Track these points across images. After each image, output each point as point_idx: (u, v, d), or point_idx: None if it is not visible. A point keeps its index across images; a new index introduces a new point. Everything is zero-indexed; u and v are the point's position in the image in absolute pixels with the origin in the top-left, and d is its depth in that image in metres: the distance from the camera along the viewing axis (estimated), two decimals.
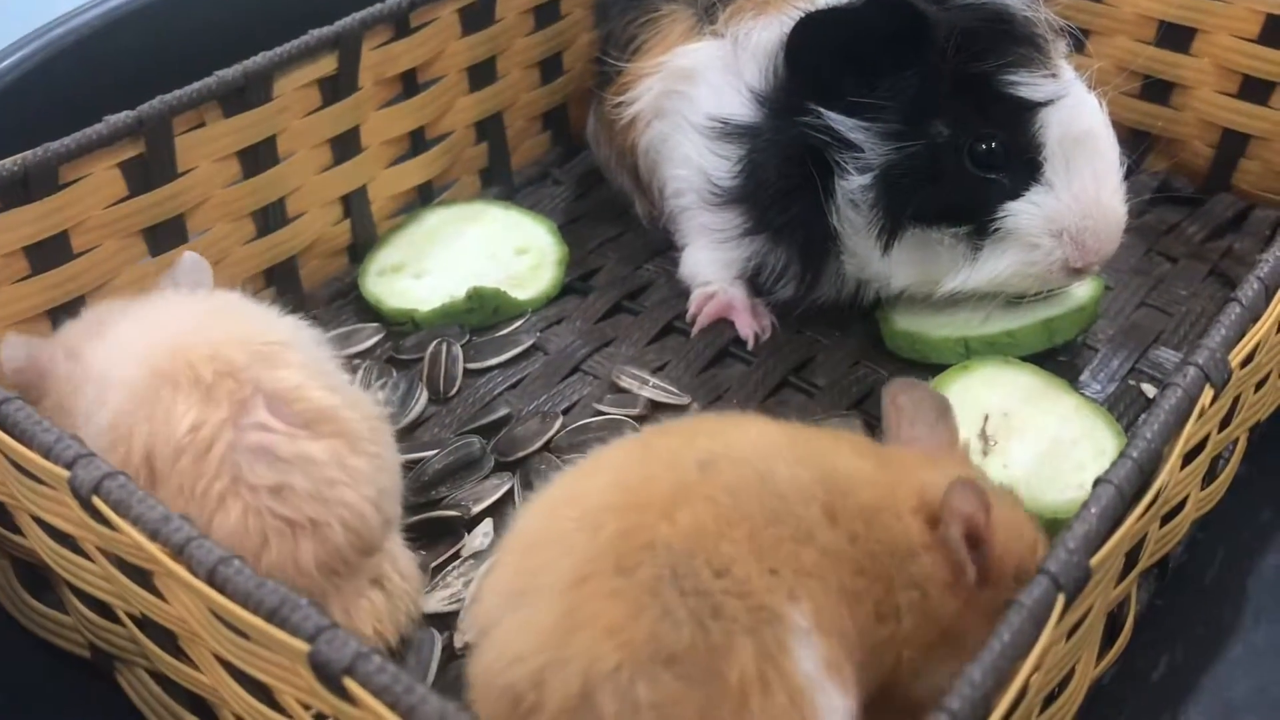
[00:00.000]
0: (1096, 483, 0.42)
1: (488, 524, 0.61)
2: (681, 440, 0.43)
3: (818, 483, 0.42)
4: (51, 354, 0.55)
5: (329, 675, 0.37)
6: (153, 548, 0.41)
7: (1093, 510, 0.41)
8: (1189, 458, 0.52)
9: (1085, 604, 0.43)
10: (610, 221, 0.83)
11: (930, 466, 0.46)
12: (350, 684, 0.36)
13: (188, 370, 0.48)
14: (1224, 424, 0.56)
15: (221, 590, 0.39)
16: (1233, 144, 0.81)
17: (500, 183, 0.86)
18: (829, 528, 0.41)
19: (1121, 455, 0.43)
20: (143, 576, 0.45)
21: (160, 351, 0.50)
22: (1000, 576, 0.43)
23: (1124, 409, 0.66)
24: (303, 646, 0.37)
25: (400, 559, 0.54)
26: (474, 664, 0.40)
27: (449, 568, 0.58)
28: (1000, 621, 0.37)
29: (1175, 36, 0.80)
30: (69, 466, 0.44)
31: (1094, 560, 0.40)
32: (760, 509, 0.40)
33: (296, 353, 0.51)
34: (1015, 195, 0.61)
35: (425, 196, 0.82)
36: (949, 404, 0.51)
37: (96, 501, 0.43)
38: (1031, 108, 0.59)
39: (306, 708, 0.41)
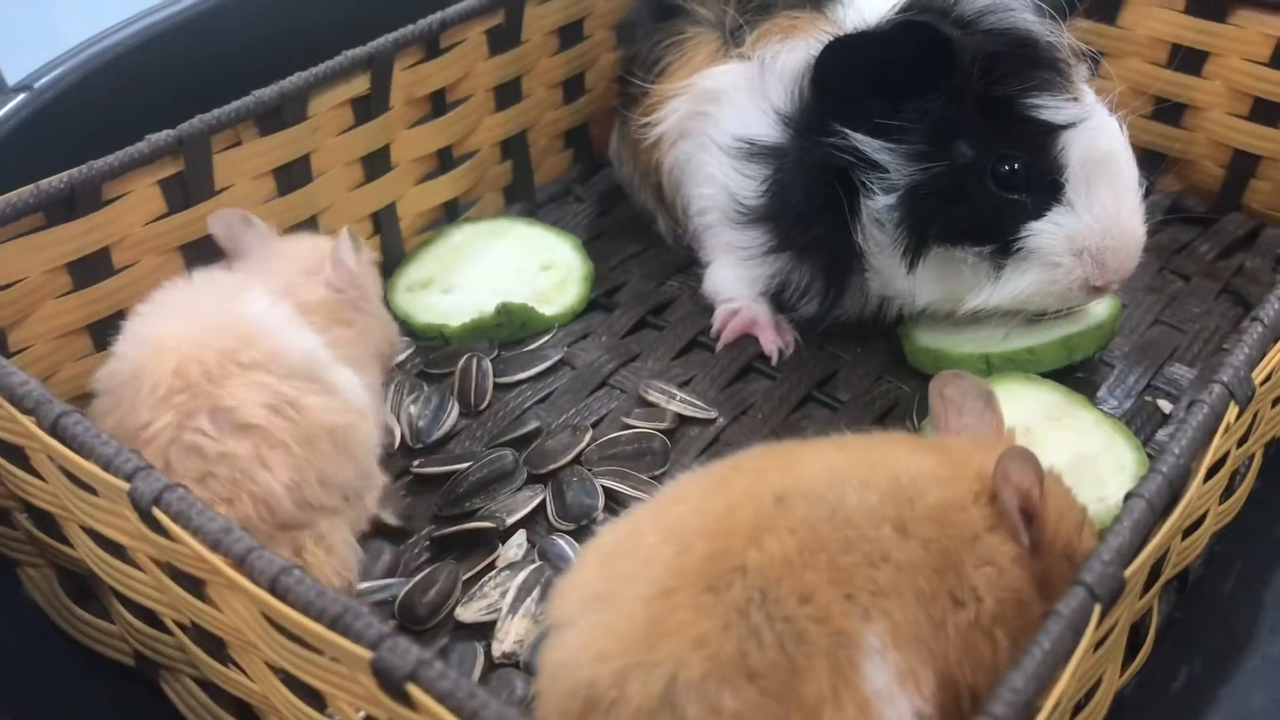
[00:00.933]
0: (1128, 497, 0.43)
1: (521, 535, 0.62)
2: (754, 474, 0.46)
3: (886, 501, 0.44)
4: None
5: (392, 681, 0.38)
6: (214, 558, 0.42)
7: (1126, 524, 0.42)
8: (1210, 473, 0.53)
9: (1114, 615, 0.44)
10: (632, 238, 0.84)
11: (984, 451, 0.48)
12: (413, 690, 0.37)
13: (153, 377, 0.56)
14: (1242, 440, 0.57)
15: (283, 599, 0.41)
16: (1243, 164, 0.83)
17: (524, 200, 0.88)
18: (901, 543, 0.43)
19: (1152, 470, 0.44)
20: (195, 586, 0.46)
21: (150, 346, 0.57)
22: (1052, 547, 0.45)
23: (1141, 424, 0.68)
24: (365, 654, 0.38)
25: (331, 538, 0.58)
26: (547, 655, 0.43)
27: (484, 578, 0.60)
28: (1040, 630, 0.39)
29: (1188, 60, 0.82)
30: (129, 479, 0.45)
31: (1127, 572, 0.41)
32: (834, 538, 0.43)
33: (258, 372, 0.56)
34: (1037, 215, 0.62)
35: (451, 213, 0.84)
36: (993, 392, 0.53)
37: (156, 513, 0.44)
38: (1054, 130, 0.61)
39: (358, 712, 0.42)
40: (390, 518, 0.63)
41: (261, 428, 0.55)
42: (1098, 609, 0.40)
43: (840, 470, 0.45)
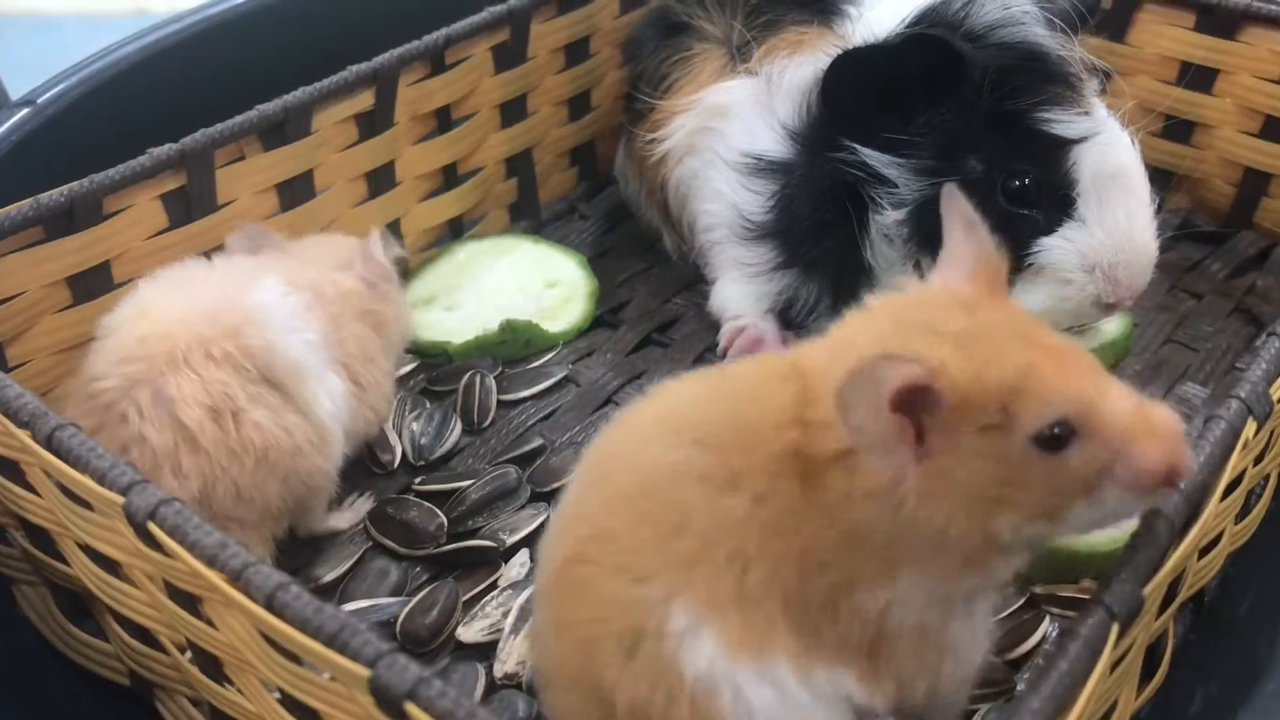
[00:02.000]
0: (1147, 514, 0.42)
1: (524, 554, 0.61)
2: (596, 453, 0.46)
3: (706, 451, 0.41)
4: None
5: (390, 700, 0.37)
6: (210, 573, 0.41)
7: (1145, 540, 0.41)
8: (1227, 491, 0.53)
9: (1132, 635, 0.43)
10: (638, 255, 0.84)
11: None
12: (412, 709, 0.36)
13: (121, 338, 0.57)
14: (1259, 459, 0.56)
15: (280, 615, 0.40)
16: (1254, 182, 0.82)
17: (529, 217, 0.87)
18: (724, 496, 0.40)
19: None
20: (191, 603, 0.45)
21: (135, 309, 0.58)
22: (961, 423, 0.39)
23: None
24: (363, 672, 0.37)
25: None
26: None
27: (486, 598, 0.59)
28: (1056, 651, 0.38)
29: (1197, 77, 0.82)
30: (124, 492, 0.44)
31: (1146, 590, 0.40)
32: (630, 516, 0.41)
33: (224, 369, 0.56)
34: (1049, 231, 0.61)
35: (456, 230, 0.83)
36: (974, 219, 0.45)
37: (152, 527, 0.43)
38: (1065, 145, 0.60)
39: None
40: (340, 522, 0.63)
41: (190, 431, 0.55)
42: (1115, 628, 0.39)
43: (663, 418, 0.44)
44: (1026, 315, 0.42)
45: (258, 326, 0.58)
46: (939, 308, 0.41)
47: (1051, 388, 0.38)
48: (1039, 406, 0.38)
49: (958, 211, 0.45)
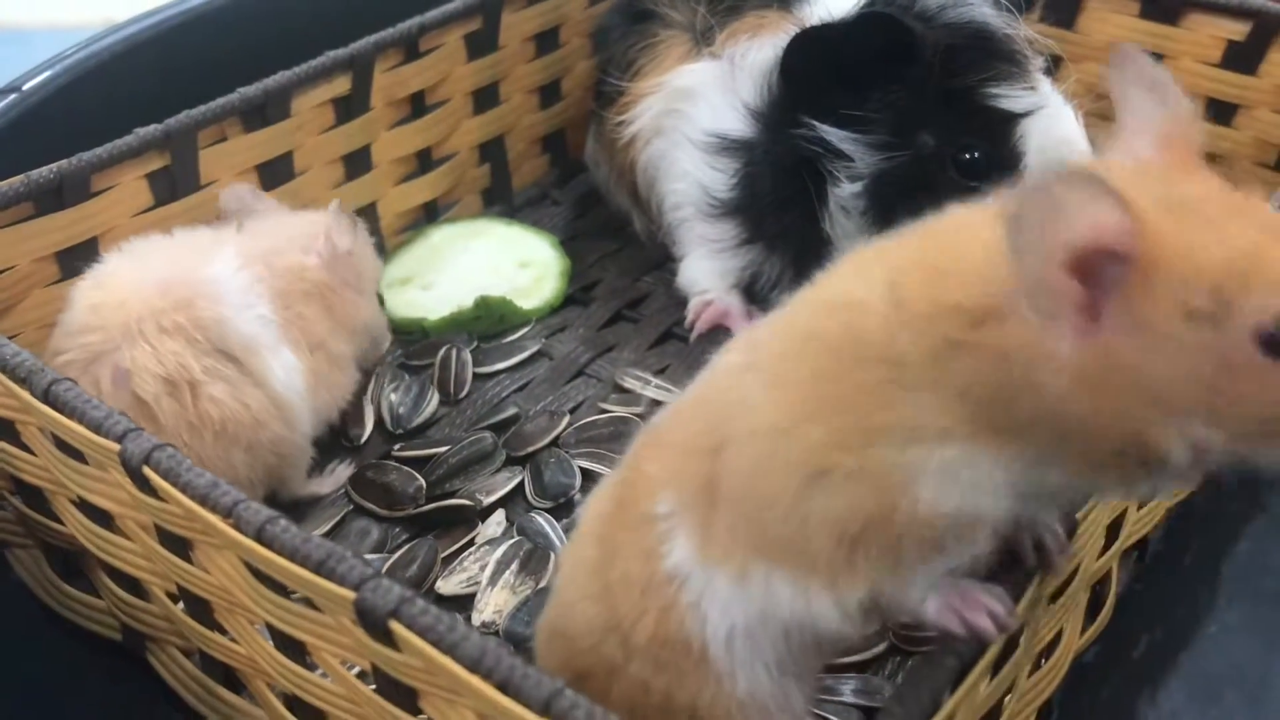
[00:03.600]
0: None
1: (500, 514, 0.64)
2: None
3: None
4: None
5: (374, 621, 0.39)
6: (203, 512, 0.44)
7: None
8: None
9: (1071, 564, 0.46)
10: (608, 238, 0.86)
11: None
12: (395, 626, 0.38)
13: (75, 310, 0.59)
14: None
15: (270, 547, 0.42)
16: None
17: (502, 202, 0.90)
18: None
19: None
20: (183, 548, 0.48)
21: (92, 280, 0.61)
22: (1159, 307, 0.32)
23: None
24: (349, 595, 0.40)
25: None
26: None
27: (464, 554, 0.61)
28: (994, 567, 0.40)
29: None
30: (119, 440, 0.46)
31: (1079, 513, 0.43)
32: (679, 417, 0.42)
33: (178, 340, 0.58)
34: None
35: (431, 214, 0.86)
36: (1168, 77, 0.38)
37: (147, 472, 0.45)
38: (1012, 119, 0.63)
39: (349, 667, 0.44)
40: (322, 488, 0.65)
41: (149, 406, 0.57)
42: None
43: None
44: (1241, 192, 0.34)
45: (209, 300, 0.59)
46: (1131, 173, 0.34)
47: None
48: (1270, 296, 0.31)
49: (1135, 70, 0.37)
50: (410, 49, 0.79)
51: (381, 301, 0.72)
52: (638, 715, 0.42)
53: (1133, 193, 0.31)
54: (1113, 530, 0.53)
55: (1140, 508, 0.57)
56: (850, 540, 0.36)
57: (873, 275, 0.37)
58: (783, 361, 0.38)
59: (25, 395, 0.50)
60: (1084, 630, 0.55)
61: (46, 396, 0.49)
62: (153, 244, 0.63)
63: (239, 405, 0.59)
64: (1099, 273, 0.32)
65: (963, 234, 0.36)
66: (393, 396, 0.71)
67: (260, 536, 0.42)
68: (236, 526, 0.43)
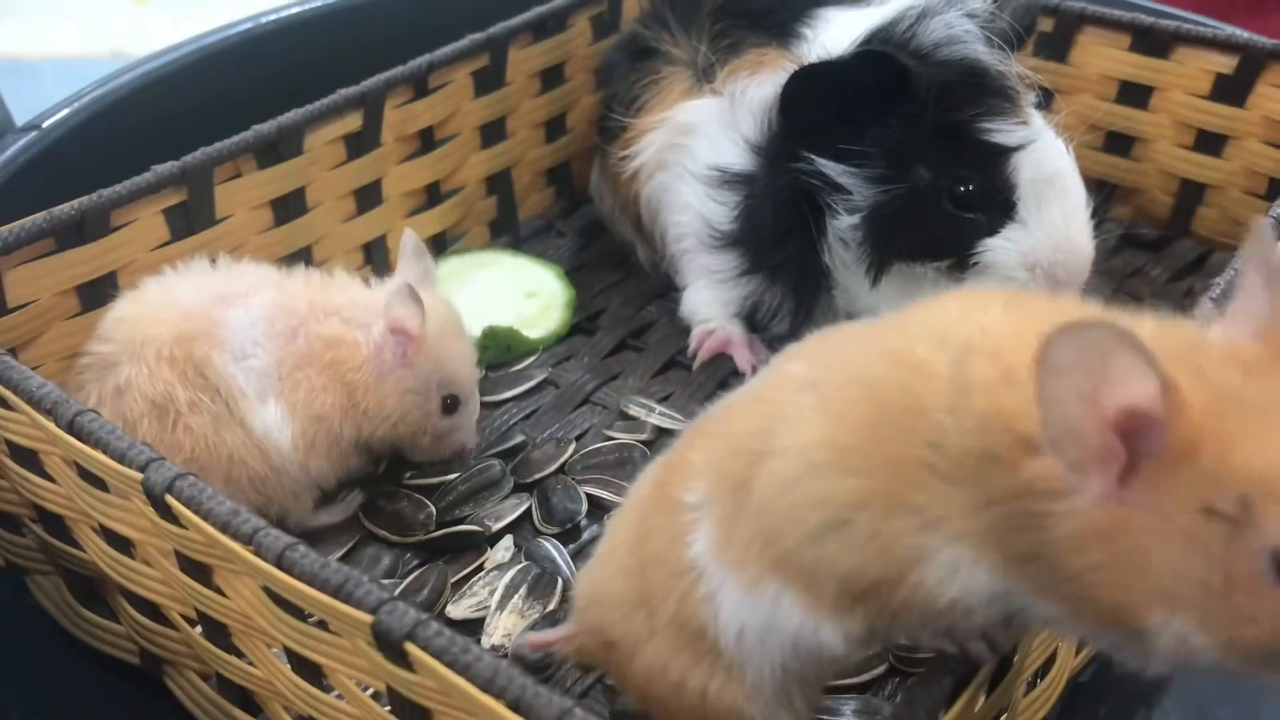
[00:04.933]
0: None
1: (508, 539, 0.65)
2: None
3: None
4: None
5: (391, 643, 0.41)
6: (224, 539, 0.45)
7: None
8: None
9: None
10: (612, 268, 0.88)
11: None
12: (411, 648, 0.40)
13: (105, 324, 0.63)
14: None
15: (289, 572, 0.44)
16: (1190, 193, 0.87)
17: (508, 234, 0.92)
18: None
19: None
20: (203, 573, 0.49)
21: (132, 293, 0.64)
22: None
23: None
24: (366, 618, 0.41)
25: None
26: None
27: (474, 579, 0.63)
28: None
29: (1134, 94, 0.87)
30: (142, 469, 0.48)
31: None
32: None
33: (165, 367, 0.60)
34: (992, 232, 0.66)
35: (439, 246, 0.87)
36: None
37: (169, 499, 0.47)
38: (1005, 152, 0.65)
39: (364, 689, 0.45)
40: (332, 517, 0.67)
41: (131, 421, 0.60)
42: None
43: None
44: None
45: (210, 341, 0.61)
46: (1211, 353, 0.33)
47: None
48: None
49: (1262, 257, 0.35)
50: (420, 86, 0.81)
51: (451, 404, 0.66)
52: (654, 692, 0.45)
53: (1191, 372, 0.31)
54: None
55: None
56: (852, 595, 0.38)
57: (950, 337, 0.36)
58: (840, 395, 0.39)
59: (50, 426, 0.51)
60: (1079, 650, 0.56)
61: (71, 427, 0.50)
62: (209, 272, 0.65)
63: (216, 439, 0.61)
64: (1136, 439, 0.31)
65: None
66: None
67: (280, 562, 0.44)
68: (257, 552, 0.45)
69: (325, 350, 0.63)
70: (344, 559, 0.65)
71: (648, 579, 0.44)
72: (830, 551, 0.37)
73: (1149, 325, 0.34)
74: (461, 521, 0.66)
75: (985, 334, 0.36)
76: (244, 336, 0.62)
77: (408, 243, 0.69)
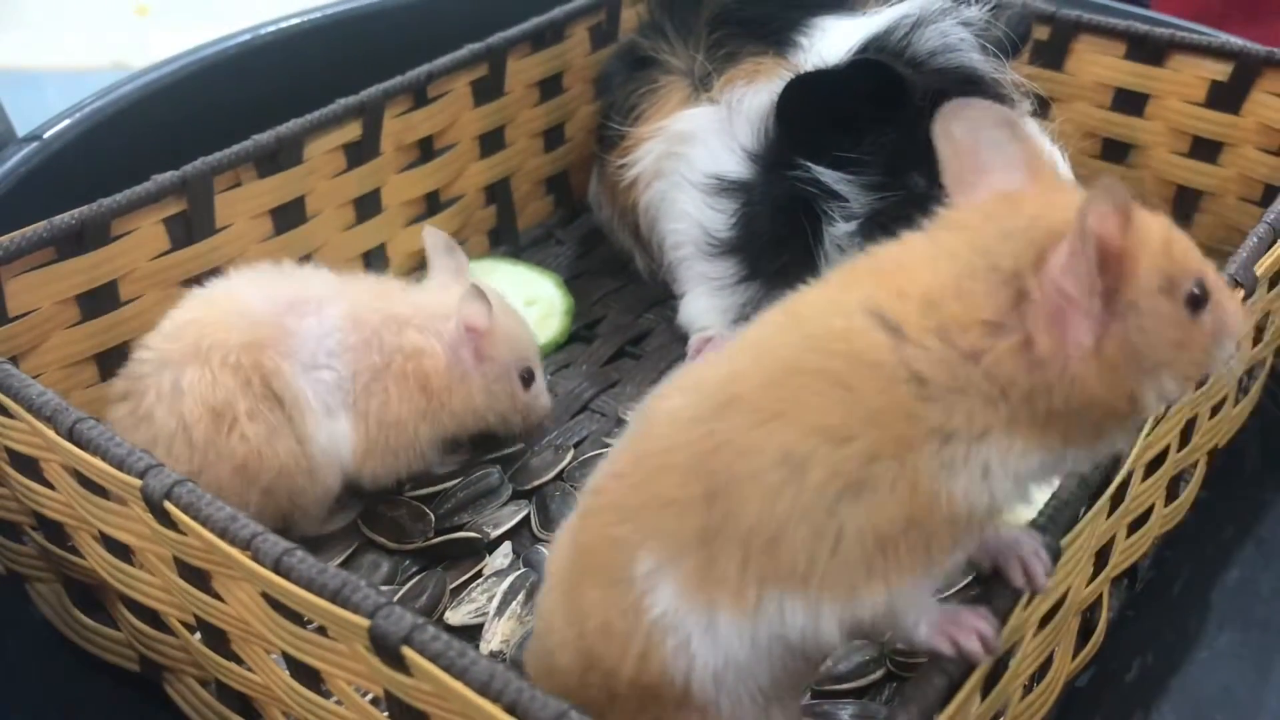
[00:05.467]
0: (1064, 479, 0.47)
1: (507, 546, 0.65)
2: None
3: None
4: None
5: (388, 647, 0.41)
6: (222, 544, 0.46)
7: (1061, 497, 0.46)
8: (1151, 469, 0.57)
9: (1059, 587, 0.48)
10: (611, 276, 0.88)
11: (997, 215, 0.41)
12: (407, 652, 0.40)
13: (174, 321, 0.63)
14: (1183, 443, 0.61)
15: (287, 577, 0.44)
16: (1187, 199, 0.88)
17: (508, 242, 0.92)
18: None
19: None
20: (202, 579, 0.50)
21: (203, 291, 0.65)
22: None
23: None
24: (363, 622, 0.41)
25: None
26: None
27: (472, 585, 0.63)
28: (981, 591, 0.42)
29: (1130, 102, 0.87)
30: (141, 475, 0.48)
31: (1064, 541, 0.45)
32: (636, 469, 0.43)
33: (228, 374, 0.60)
34: None
35: None
36: (1017, 118, 0.44)
37: (168, 506, 0.47)
38: None
39: (362, 694, 0.45)
40: (332, 525, 0.67)
41: (187, 422, 0.60)
42: None
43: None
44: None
45: (281, 351, 0.62)
46: (1033, 201, 0.41)
47: (1187, 252, 0.41)
48: (1188, 268, 0.40)
49: (973, 119, 0.44)
50: (419, 95, 0.81)
51: (529, 377, 0.69)
52: None
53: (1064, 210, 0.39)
54: (1101, 557, 0.55)
55: (1129, 535, 0.59)
56: (883, 546, 0.39)
57: (846, 308, 0.41)
58: (771, 397, 0.40)
59: (50, 433, 0.52)
60: (1076, 654, 0.57)
61: (71, 435, 0.51)
62: (281, 275, 0.66)
63: (268, 450, 0.61)
64: (1111, 269, 0.38)
65: (920, 261, 0.41)
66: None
67: (278, 567, 0.44)
68: (255, 558, 0.45)
69: (406, 361, 0.64)
70: (343, 566, 0.65)
71: (594, 649, 0.43)
72: (851, 519, 0.39)
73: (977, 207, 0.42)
74: (460, 528, 0.66)
75: (870, 283, 0.41)
76: (317, 347, 0.63)
77: (438, 240, 0.71)
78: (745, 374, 0.41)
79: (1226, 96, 0.83)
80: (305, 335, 0.62)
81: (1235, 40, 0.84)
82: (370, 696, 0.45)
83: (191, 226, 0.71)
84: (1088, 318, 0.38)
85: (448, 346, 0.65)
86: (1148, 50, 0.85)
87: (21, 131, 0.83)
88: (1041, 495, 0.46)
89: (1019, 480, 0.40)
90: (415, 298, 0.67)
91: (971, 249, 0.40)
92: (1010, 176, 0.42)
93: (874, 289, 0.41)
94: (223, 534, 0.46)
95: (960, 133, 0.43)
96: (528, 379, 0.69)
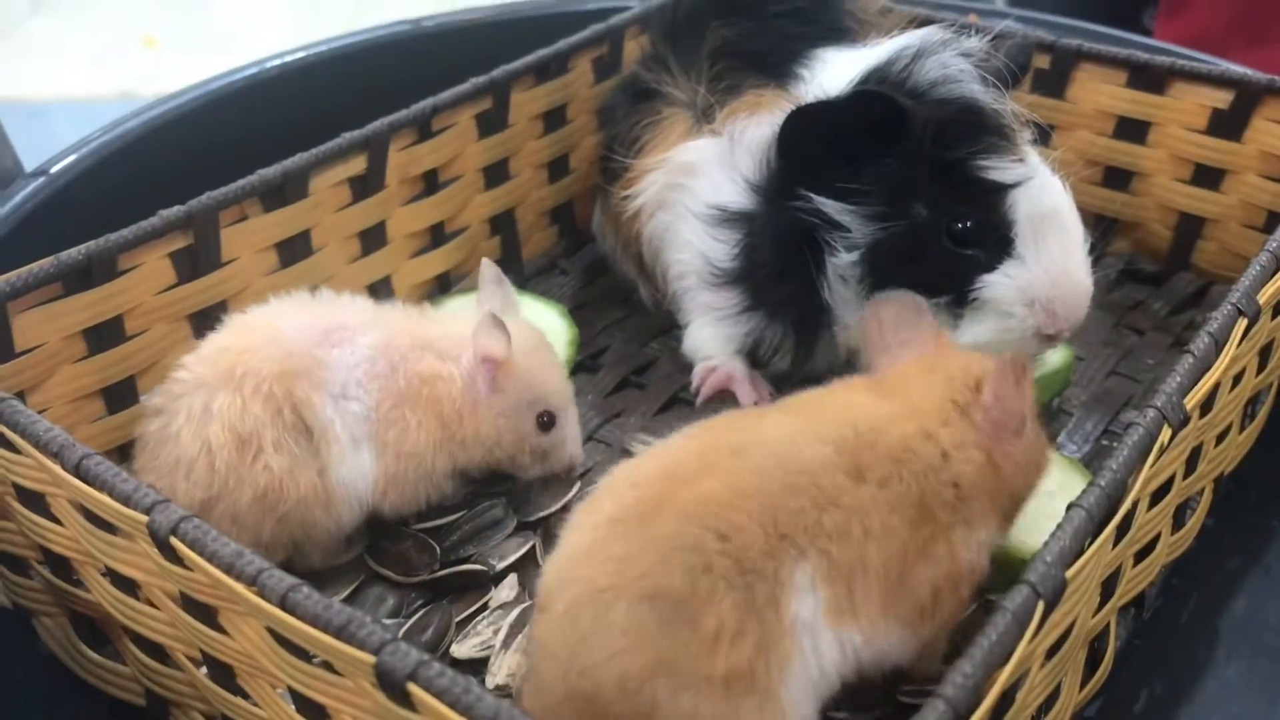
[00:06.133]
0: (1069, 507, 0.47)
1: (513, 578, 0.65)
2: (716, 433, 0.53)
3: (840, 452, 0.51)
4: None
5: (393, 683, 0.41)
6: (228, 580, 0.46)
7: (1066, 530, 0.46)
8: (1156, 498, 0.57)
9: (1066, 619, 0.48)
10: (615, 306, 0.89)
11: (939, 365, 0.57)
12: (413, 689, 0.40)
13: (211, 344, 0.64)
14: (1189, 471, 0.61)
15: (292, 613, 0.44)
16: (1189, 226, 0.88)
17: (512, 273, 0.92)
18: (856, 486, 0.50)
19: (1090, 484, 0.48)
20: (208, 614, 0.50)
21: (243, 315, 0.66)
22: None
23: (1099, 465, 0.71)
24: (369, 659, 0.42)
25: None
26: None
27: (478, 618, 0.63)
28: (987, 624, 0.42)
29: (1132, 129, 0.88)
30: (147, 511, 0.48)
31: (1069, 572, 0.45)
32: (781, 484, 0.48)
33: (258, 403, 0.61)
34: (990, 268, 0.66)
35: (444, 285, 0.88)
36: (922, 301, 0.62)
37: (174, 541, 0.47)
38: (1002, 189, 0.65)
39: None
40: (338, 558, 0.67)
41: (212, 447, 0.60)
42: (1041, 605, 0.43)
43: (797, 428, 0.52)
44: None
45: (313, 381, 0.62)
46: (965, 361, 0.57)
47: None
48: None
49: (896, 306, 0.61)
50: (423, 129, 0.82)
51: (548, 421, 0.68)
52: None
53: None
54: (1108, 586, 0.55)
55: (1137, 563, 0.59)
56: (937, 595, 0.52)
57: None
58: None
59: (57, 469, 0.52)
60: (1084, 685, 0.56)
61: (78, 471, 0.51)
62: (321, 304, 0.67)
63: (290, 481, 0.61)
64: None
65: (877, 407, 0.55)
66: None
67: (284, 603, 0.44)
68: (261, 594, 0.45)
69: (423, 386, 0.64)
70: (349, 599, 0.65)
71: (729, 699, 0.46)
72: (923, 575, 0.51)
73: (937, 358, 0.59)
74: (466, 561, 0.66)
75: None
76: (346, 377, 0.63)
77: (487, 272, 0.72)
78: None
79: (1228, 124, 0.83)
80: (335, 366, 0.63)
81: (1236, 68, 0.85)
82: None
83: (197, 261, 0.71)
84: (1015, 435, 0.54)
85: (464, 373, 0.65)
86: (1149, 78, 0.86)
87: (28, 164, 0.83)
88: (1048, 525, 0.48)
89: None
90: (446, 325, 0.67)
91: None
92: (923, 346, 0.59)
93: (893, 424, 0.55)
94: (229, 570, 0.46)
95: (887, 316, 0.60)
96: (547, 423, 0.68)
